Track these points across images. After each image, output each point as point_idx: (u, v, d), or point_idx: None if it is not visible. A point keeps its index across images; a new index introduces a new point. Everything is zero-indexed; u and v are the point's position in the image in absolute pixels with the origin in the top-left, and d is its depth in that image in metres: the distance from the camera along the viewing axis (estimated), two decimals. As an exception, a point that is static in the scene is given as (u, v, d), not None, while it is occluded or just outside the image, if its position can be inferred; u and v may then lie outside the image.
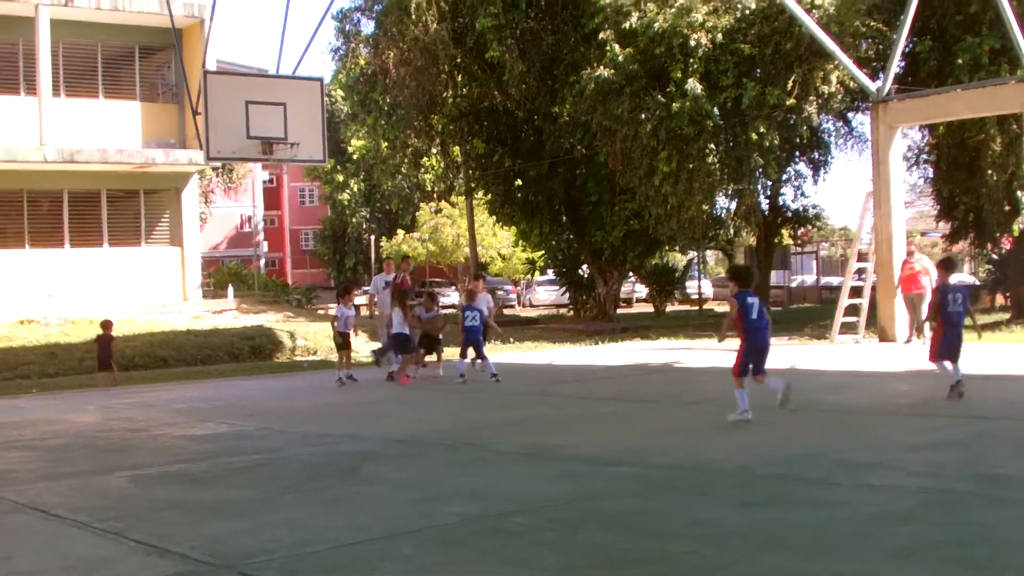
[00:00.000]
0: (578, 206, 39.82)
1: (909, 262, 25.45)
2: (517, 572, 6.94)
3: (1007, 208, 30.67)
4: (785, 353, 23.72)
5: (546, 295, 62.31)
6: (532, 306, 64.32)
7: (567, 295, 45.66)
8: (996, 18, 25.47)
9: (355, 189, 79.06)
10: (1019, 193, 29.02)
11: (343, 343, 21.61)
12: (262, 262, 75.85)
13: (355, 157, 68.60)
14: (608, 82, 30.51)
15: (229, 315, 35.24)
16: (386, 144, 44.12)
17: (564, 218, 41.25)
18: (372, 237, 73.31)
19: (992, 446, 10.98)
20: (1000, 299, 38.24)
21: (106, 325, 24.16)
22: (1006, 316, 32.03)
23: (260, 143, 24.65)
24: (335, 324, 21.90)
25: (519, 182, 40.31)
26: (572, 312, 44.49)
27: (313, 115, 25.77)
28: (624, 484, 9.76)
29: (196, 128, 25.66)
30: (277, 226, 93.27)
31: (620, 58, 30.46)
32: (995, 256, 36.27)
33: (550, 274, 52.39)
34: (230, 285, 40.77)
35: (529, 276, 61.36)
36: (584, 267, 43.24)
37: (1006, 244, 33.24)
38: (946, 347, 14.71)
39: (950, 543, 7.12)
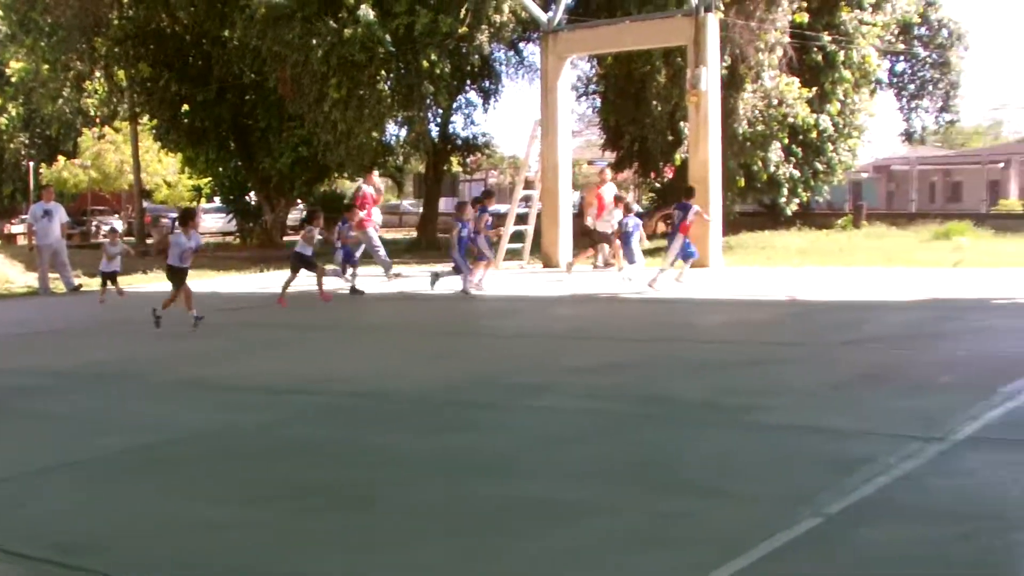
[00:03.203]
0: (246, 133, 39.11)
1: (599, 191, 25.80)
2: (171, 500, 6.75)
3: (670, 138, 31.59)
4: (453, 280, 23.78)
5: (213, 223, 61.05)
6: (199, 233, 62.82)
7: (234, 223, 45.01)
8: (667, -48, 26.04)
9: (13, 113, 75.51)
10: (682, 124, 29.82)
11: (178, 279, 16.66)
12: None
13: (13, 80, 65.43)
14: (279, 7, 29.84)
15: None
16: (47, 67, 42.11)
17: (232, 144, 40.47)
18: (31, 164, 70.27)
19: (660, 368, 11.21)
20: (662, 226, 39.41)
21: None
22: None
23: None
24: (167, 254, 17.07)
25: (186, 107, 39.25)
26: (239, 240, 43.83)
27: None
28: (300, 412, 9.59)
29: None
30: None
31: (293, -18, 29.85)
32: (658, 185, 37.33)
33: (217, 201, 51.37)
34: None
35: (195, 203, 60.04)
36: (252, 194, 42.65)
37: (668, 173, 34.25)
38: None
39: (625, 462, 7.22)
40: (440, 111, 36.20)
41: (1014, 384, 9.23)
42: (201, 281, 22.78)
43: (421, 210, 43.86)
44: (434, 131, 37.22)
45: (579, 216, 27.23)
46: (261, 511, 6.50)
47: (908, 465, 6.87)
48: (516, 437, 8.16)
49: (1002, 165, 63.08)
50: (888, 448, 7.25)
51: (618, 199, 23.04)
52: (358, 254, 22.43)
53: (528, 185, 28.24)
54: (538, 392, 9.99)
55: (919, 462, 6.96)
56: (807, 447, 7.58)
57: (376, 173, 27.17)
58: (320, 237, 19.94)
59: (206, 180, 46.24)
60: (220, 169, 42.31)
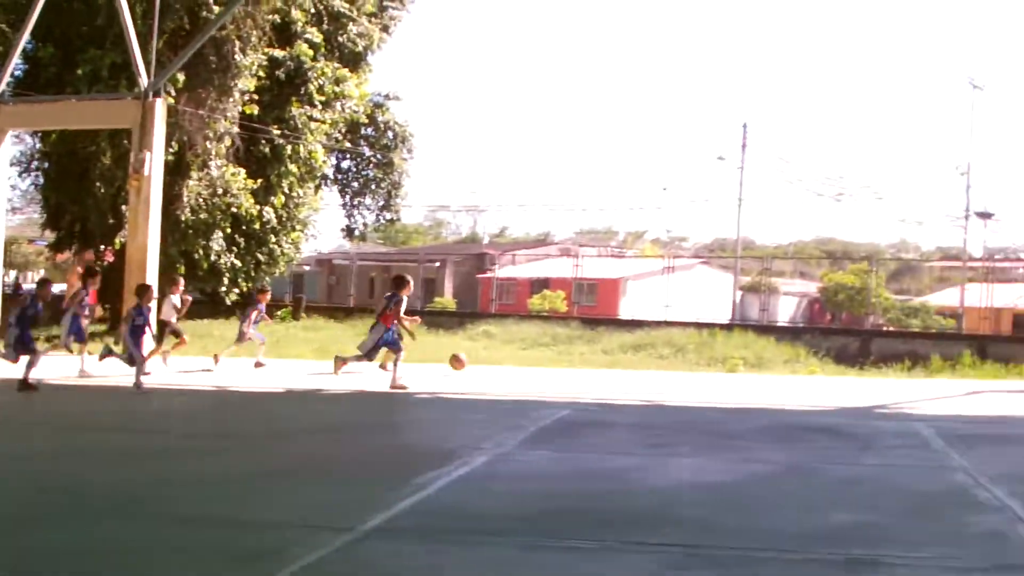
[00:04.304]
0: None
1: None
2: None
3: (112, 221, 31.21)
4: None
5: None
6: None
7: None
8: (120, 33, 25.77)
9: None
10: (124, 207, 29.56)
11: None
12: None
13: None
14: None
15: None
16: None
17: None
18: None
19: (81, 456, 11.11)
20: (100, 310, 38.65)
21: None
22: (105, 327, 32.47)
23: None
24: None
25: None
26: None
27: None
28: None
29: None
30: None
31: None
32: (98, 268, 36.71)
33: None
34: None
35: None
36: None
37: (109, 256, 33.77)
38: None
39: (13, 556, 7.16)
40: None
41: (425, 475, 9.77)
42: None
43: None
44: None
45: (13, 298, 26.27)
46: None
47: (314, 555, 7.09)
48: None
49: (438, 264, 66.19)
50: (298, 539, 7.49)
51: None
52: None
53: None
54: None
55: (325, 552, 7.20)
56: (217, 539, 7.65)
57: None
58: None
59: None
60: None
